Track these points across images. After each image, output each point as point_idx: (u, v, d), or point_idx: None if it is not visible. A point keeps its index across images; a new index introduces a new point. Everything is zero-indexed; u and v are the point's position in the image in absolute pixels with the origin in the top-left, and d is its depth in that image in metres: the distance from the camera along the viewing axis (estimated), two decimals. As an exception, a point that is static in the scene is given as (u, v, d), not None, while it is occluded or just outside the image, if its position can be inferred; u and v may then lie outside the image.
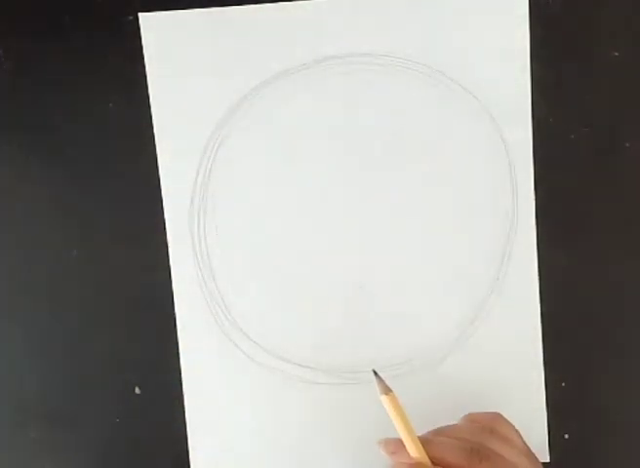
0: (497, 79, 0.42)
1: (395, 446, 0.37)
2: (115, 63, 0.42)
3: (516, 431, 0.38)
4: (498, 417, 0.38)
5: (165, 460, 0.44)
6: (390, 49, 0.42)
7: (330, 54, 0.42)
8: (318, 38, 0.42)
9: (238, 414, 0.44)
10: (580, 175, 0.43)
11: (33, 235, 0.43)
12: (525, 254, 0.43)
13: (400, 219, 0.43)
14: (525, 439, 0.38)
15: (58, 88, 0.43)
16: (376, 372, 0.38)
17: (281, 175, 0.43)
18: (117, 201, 0.43)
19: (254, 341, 0.43)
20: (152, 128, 0.43)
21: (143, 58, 0.42)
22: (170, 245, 0.43)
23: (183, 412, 0.43)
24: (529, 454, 0.37)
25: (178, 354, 0.43)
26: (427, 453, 0.36)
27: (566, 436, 0.43)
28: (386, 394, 0.37)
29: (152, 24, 0.42)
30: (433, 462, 0.35)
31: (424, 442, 0.36)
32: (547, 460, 0.43)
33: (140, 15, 0.42)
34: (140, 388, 0.44)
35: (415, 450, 0.36)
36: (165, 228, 0.43)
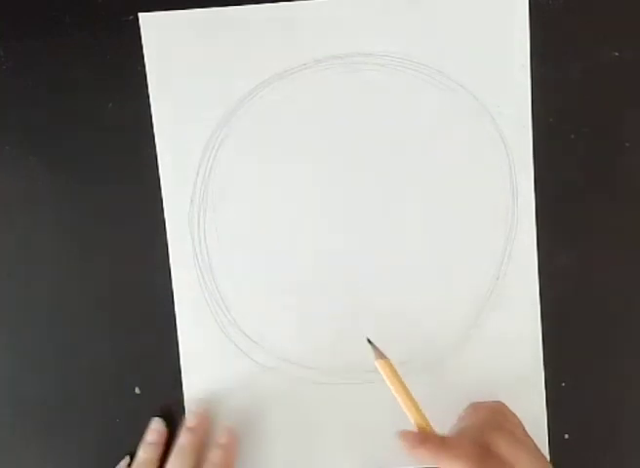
0: (497, 79, 0.42)
1: (414, 440, 0.36)
2: (115, 63, 0.42)
3: (520, 423, 0.38)
4: (502, 407, 0.39)
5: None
6: (390, 49, 0.42)
7: (330, 53, 0.42)
8: (318, 38, 0.42)
9: (238, 414, 0.43)
10: (580, 175, 0.43)
11: (33, 235, 0.43)
12: (525, 254, 0.43)
13: (400, 219, 0.43)
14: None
15: (58, 88, 0.43)
16: (370, 340, 0.39)
17: (281, 174, 0.43)
18: (117, 201, 0.43)
19: (254, 341, 0.43)
20: (152, 128, 0.43)
21: (143, 58, 0.42)
22: (170, 245, 0.43)
23: (183, 412, 0.43)
24: (534, 449, 0.37)
25: (178, 354, 0.43)
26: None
27: (566, 436, 0.43)
28: (382, 358, 0.37)
29: (152, 24, 0.42)
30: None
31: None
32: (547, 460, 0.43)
33: (140, 15, 0.42)
34: (139, 388, 0.44)
35: (415, 414, 0.36)
36: (165, 228, 0.43)
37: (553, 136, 0.43)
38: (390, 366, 0.37)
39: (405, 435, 0.36)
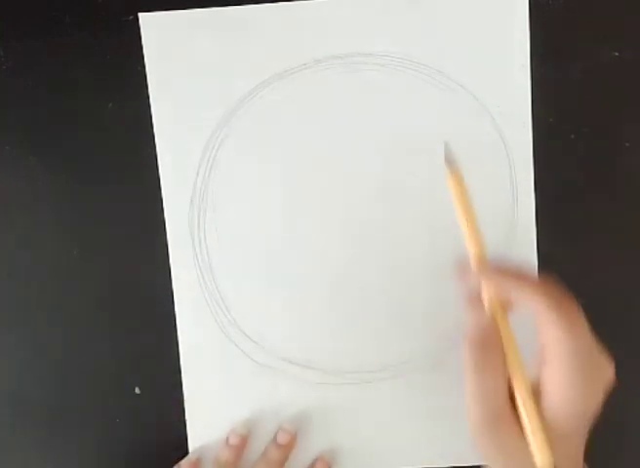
0: (497, 79, 0.42)
1: (491, 267, 0.34)
2: (115, 63, 0.42)
3: None
4: None
5: (165, 460, 0.43)
6: (390, 49, 0.42)
7: (330, 53, 0.42)
8: (318, 38, 0.42)
9: (238, 414, 0.44)
10: (580, 175, 0.43)
11: (33, 235, 0.43)
12: (525, 254, 0.43)
13: (400, 219, 0.43)
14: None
15: (58, 88, 0.43)
16: (447, 156, 0.35)
17: (281, 175, 0.43)
18: (117, 201, 0.43)
19: (254, 341, 0.43)
20: (152, 128, 0.43)
21: (143, 58, 0.42)
22: (170, 245, 0.43)
23: (183, 412, 0.43)
24: None
25: (178, 354, 0.43)
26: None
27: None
28: (452, 172, 0.34)
29: (152, 24, 0.42)
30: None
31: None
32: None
33: (140, 15, 0.42)
34: (139, 388, 0.44)
35: (473, 240, 0.34)
36: (165, 228, 0.43)
37: (553, 136, 0.43)
38: (460, 179, 0.34)
39: (478, 264, 0.34)
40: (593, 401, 0.34)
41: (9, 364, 0.44)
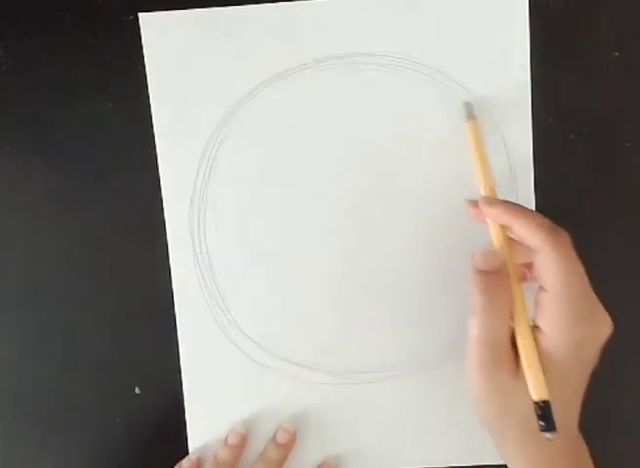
0: (497, 79, 0.42)
1: (490, 199, 0.38)
2: (115, 63, 0.42)
3: None
4: None
5: (165, 460, 0.43)
6: (390, 49, 0.42)
7: (330, 53, 0.42)
8: (318, 38, 0.42)
9: (238, 414, 0.44)
10: (580, 174, 0.43)
11: (33, 235, 0.43)
12: (525, 254, 0.43)
13: (399, 219, 0.43)
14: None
15: (58, 88, 0.43)
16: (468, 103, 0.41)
17: (281, 174, 0.43)
18: (117, 201, 0.43)
19: (254, 341, 0.43)
20: (152, 128, 0.43)
21: (143, 58, 0.42)
22: (170, 245, 0.43)
23: (183, 412, 0.43)
24: None
25: (178, 354, 0.43)
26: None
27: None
28: (471, 120, 0.40)
29: (152, 24, 0.42)
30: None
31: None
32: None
33: (140, 15, 0.42)
34: (139, 388, 0.44)
35: (485, 183, 0.39)
36: (165, 228, 0.43)
37: (553, 136, 0.43)
38: (477, 129, 0.40)
39: (481, 197, 0.38)
40: (588, 348, 0.35)
41: (9, 364, 0.44)
